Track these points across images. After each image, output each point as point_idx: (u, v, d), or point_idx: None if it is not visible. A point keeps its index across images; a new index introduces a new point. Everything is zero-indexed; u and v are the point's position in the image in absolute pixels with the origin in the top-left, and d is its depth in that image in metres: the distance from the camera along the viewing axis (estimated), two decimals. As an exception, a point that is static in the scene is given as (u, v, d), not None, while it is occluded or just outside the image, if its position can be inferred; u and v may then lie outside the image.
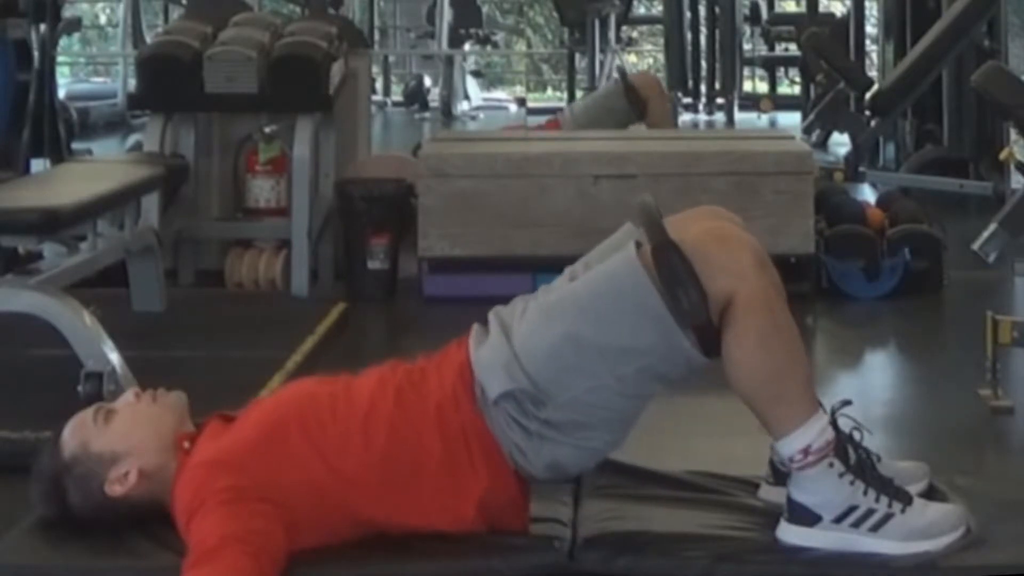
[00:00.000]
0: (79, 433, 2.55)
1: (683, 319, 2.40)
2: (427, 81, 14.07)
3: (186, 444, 2.55)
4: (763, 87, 14.38)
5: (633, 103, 7.19)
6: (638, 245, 2.47)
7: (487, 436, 2.47)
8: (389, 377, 2.57)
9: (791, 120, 11.20)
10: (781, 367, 2.44)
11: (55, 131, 5.62)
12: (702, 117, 12.50)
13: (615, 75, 8.64)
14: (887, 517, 2.47)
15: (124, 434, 2.54)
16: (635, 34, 15.97)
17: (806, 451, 2.44)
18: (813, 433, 2.45)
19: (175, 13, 11.23)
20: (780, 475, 2.59)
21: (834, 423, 2.50)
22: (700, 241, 2.45)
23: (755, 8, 13.61)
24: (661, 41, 13.37)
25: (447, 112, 13.13)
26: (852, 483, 2.46)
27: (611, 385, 2.44)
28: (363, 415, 2.50)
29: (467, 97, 13.68)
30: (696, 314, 2.40)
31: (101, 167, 5.21)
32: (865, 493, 2.47)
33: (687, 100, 12.29)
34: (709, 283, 2.40)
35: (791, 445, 2.45)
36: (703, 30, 12.69)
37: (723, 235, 2.50)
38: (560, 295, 2.52)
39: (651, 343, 2.43)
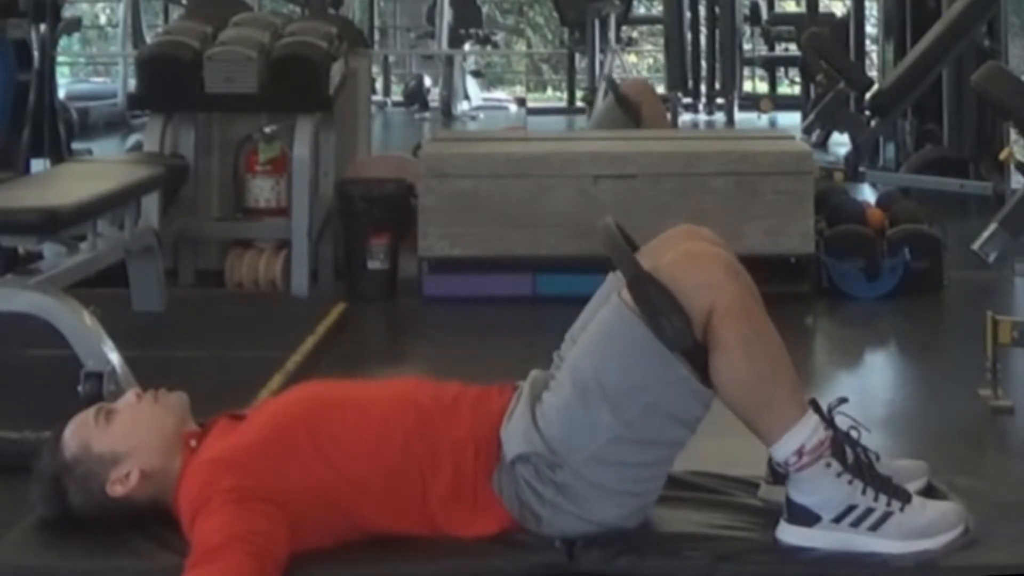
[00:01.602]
0: (80, 433, 2.56)
1: (671, 345, 2.42)
2: (427, 81, 14.07)
3: (193, 442, 2.55)
4: (763, 87, 14.39)
5: (627, 111, 7.19)
6: (620, 293, 2.49)
7: (493, 500, 2.49)
8: (413, 395, 2.58)
9: (791, 120, 11.21)
10: (765, 372, 2.45)
11: (55, 131, 5.63)
12: (702, 117, 12.51)
13: (604, 85, 8.64)
14: (886, 516, 2.47)
15: (125, 435, 2.54)
16: (635, 34, 15.97)
17: (800, 452, 2.45)
18: (805, 434, 2.45)
19: (175, 13, 11.22)
20: (780, 475, 2.59)
21: (831, 422, 2.50)
22: (673, 265, 2.47)
23: (755, 8, 13.62)
24: (661, 41, 13.36)
25: (447, 112, 13.13)
26: (850, 482, 2.47)
27: (623, 433, 2.44)
28: (378, 425, 2.51)
29: (467, 97, 13.68)
30: (681, 338, 2.42)
31: (101, 167, 5.21)
32: (864, 492, 2.47)
33: (687, 100, 12.30)
34: (688, 303, 2.42)
35: (784, 448, 2.46)
36: (703, 30, 12.69)
37: (694, 253, 2.53)
38: (568, 362, 2.53)
39: (648, 376, 2.44)
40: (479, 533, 2.49)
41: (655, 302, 2.42)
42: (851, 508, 2.46)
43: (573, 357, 2.52)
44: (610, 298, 2.52)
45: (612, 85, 7.73)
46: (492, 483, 2.49)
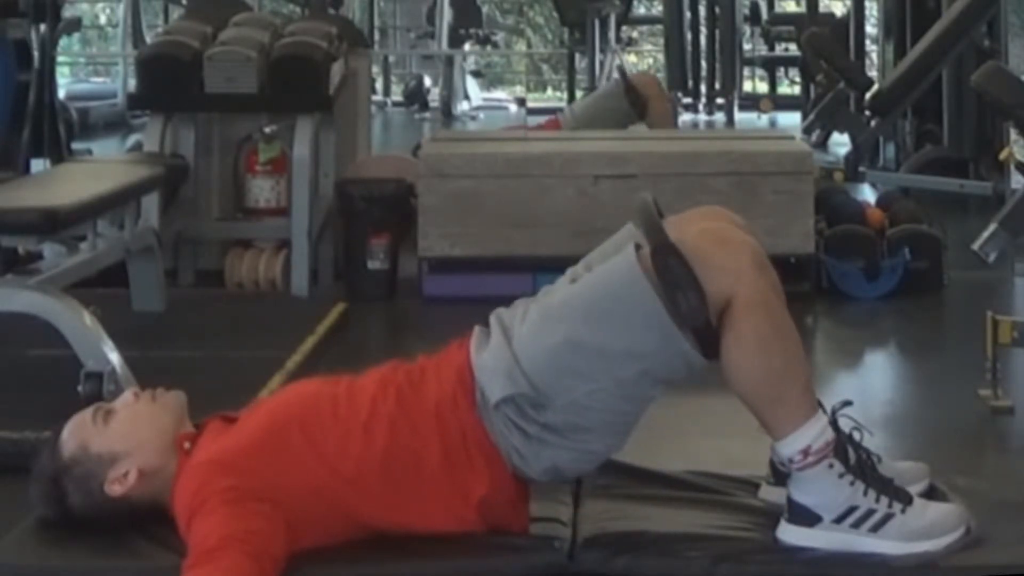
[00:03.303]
0: (79, 433, 2.55)
1: (682, 322, 2.40)
2: (427, 81, 14.06)
3: (187, 444, 2.55)
4: (763, 87, 14.38)
5: (633, 103, 7.19)
6: (638, 247, 2.47)
7: (485, 439, 2.47)
8: (390, 377, 2.57)
9: (791, 120, 11.20)
10: (780, 368, 2.43)
11: (55, 131, 5.63)
12: (702, 117, 12.50)
13: (615, 75, 8.63)
14: (887, 517, 2.47)
15: (124, 434, 2.54)
16: (635, 34, 15.96)
17: (806, 452, 2.44)
18: (813, 434, 2.44)
19: (175, 13, 11.23)
20: (780, 475, 2.59)
21: (834, 423, 2.50)
22: (699, 242, 2.44)
23: (755, 8, 13.61)
24: (661, 41, 13.36)
25: (447, 112, 13.13)
26: (852, 483, 2.46)
27: (610, 388, 2.43)
28: (364, 416, 2.50)
29: (467, 97, 13.68)
30: (695, 317, 2.40)
31: (101, 167, 5.21)
32: (865, 493, 2.47)
33: (687, 100, 12.30)
34: (708, 284, 2.40)
35: (791, 446, 2.45)
36: (703, 30, 12.69)
37: (722, 236, 2.50)
38: (561, 298, 2.51)
39: (651, 346, 2.42)
40: (479, 494, 2.47)
41: (676, 276, 2.39)
42: (852, 509, 2.46)
43: (570, 296, 2.49)
44: (623, 249, 2.49)
45: (623, 74, 7.72)
46: (479, 422, 2.47)
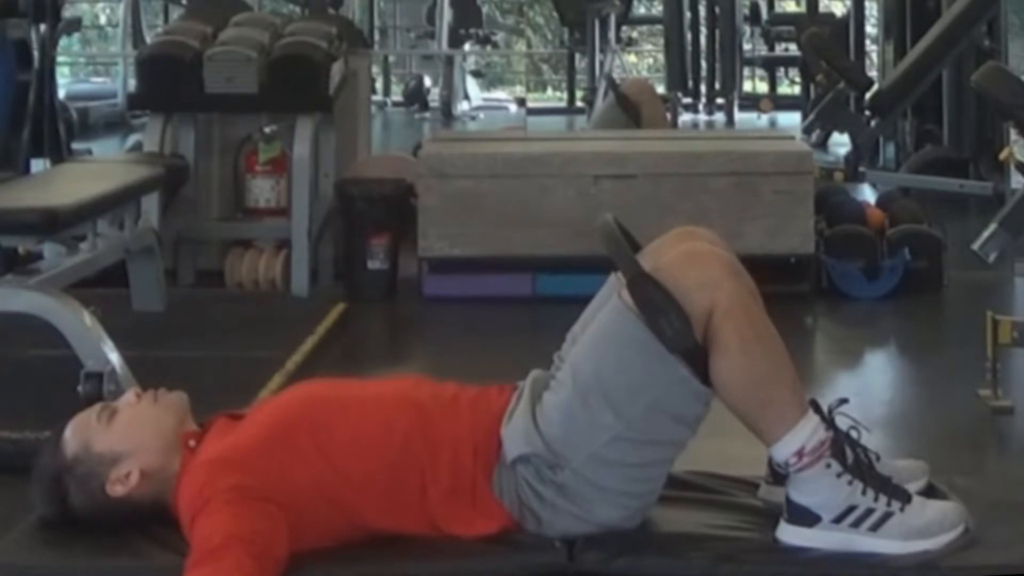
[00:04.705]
0: (80, 433, 2.55)
1: (671, 345, 2.41)
2: (427, 81, 14.06)
3: (192, 442, 2.55)
4: (763, 87, 14.38)
5: (627, 111, 7.20)
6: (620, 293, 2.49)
7: (492, 501, 2.49)
8: (412, 393, 2.57)
9: (791, 120, 11.21)
10: (765, 372, 2.44)
11: (55, 131, 5.62)
12: (702, 117, 12.51)
13: (606, 87, 8.64)
14: (886, 516, 2.47)
15: (125, 434, 2.54)
16: (635, 34, 15.96)
17: (800, 453, 2.45)
18: (805, 434, 2.45)
19: (175, 13, 11.21)
20: (780, 475, 2.59)
21: (831, 422, 2.50)
22: (673, 265, 2.47)
23: (755, 8, 13.61)
24: (661, 41, 13.37)
25: (447, 112, 13.12)
26: (850, 483, 2.47)
27: (623, 433, 2.44)
28: (378, 423, 2.51)
29: (467, 97, 13.67)
30: (682, 339, 2.41)
31: (101, 167, 5.21)
32: (864, 492, 2.47)
33: (687, 100, 12.30)
34: (688, 303, 2.42)
35: (785, 449, 2.46)
36: (703, 30, 12.70)
37: (693, 253, 2.52)
38: (568, 361, 2.53)
39: (651, 376, 2.43)
40: (480, 532, 2.49)
41: (655, 303, 2.42)
42: (851, 508, 2.46)
43: (574, 357, 2.52)
44: (611, 299, 2.52)
45: (612, 85, 7.73)
46: (492, 483, 2.49)
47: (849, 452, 2.49)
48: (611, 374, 2.45)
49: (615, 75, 10.86)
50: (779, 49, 13.64)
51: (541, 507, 2.48)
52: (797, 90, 12.60)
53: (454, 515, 2.49)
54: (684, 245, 2.58)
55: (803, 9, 12.18)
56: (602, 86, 10.37)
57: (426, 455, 2.49)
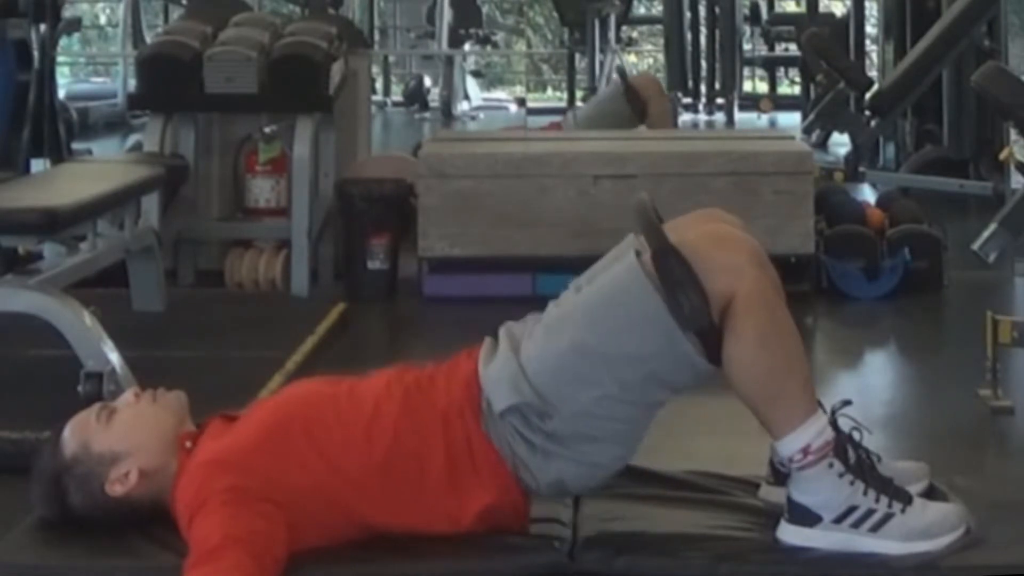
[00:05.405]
0: (80, 433, 2.55)
1: (685, 323, 2.40)
2: (427, 81, 14.07)
3: (188, 444, 2.55)
4: (763, 87, 14.39)
5: (633, 104, 7.19)
6: (639, 253, 2.48)
7: (491, 451, 2.47)
8: (397, 381, 2.57)
9: (791, 120, 11.21)
10: (780, 366, 2.43)
11: (55, 131, 5.63)
12: (702, 117, 12.51)
13: (615, 76, 8.63)
14: (887, 517, 2.47)
15: (124, 434, 2.54)
16: (635, 34, 15.97)
17: (805, 451, 2.44)
18: (812, 433, 2.44)
19: (175, 13, 11.22)
20: (780, 475, 2.59)
21: (834, 423, 2.50)
22: (699, 243, 2.45)
23: (755, 8, 13.62)
24: (661, 41, 13.37)
25: (447, 112, 13.13)
26: (852, 483, 2.46)
27: (616, 393, 2.43)
28: (368, 418, 2.50)
29: (467, 97, 13.68)
30: (698, 317, 2.40)
31: (101, 167, 5.21)
32: (865, 493, 2.47)
33: (687, 100, 12.30)
34: (709, 284, 2.40)
35: (790, 445, 2.45)
36: (703, 30, 12.70)
37: (721, 236, 2.51)
38: (565, 308, 2.52)
39: (655, 349, 2.42)
40: (485, 503, 2.47)
41: (677, 277, 2.40)
42: (852, 509, 2.46)
43: (573, 306, 2.50)
44: (625, 256, 2.49)
45: (623, 75, 7.71)
46: (483, 427, 2.47)
47: (851, 453, 2.49)
48: (615, 339, 2.43)
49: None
50: (779, 49, 13.65)
51: (532, 454, 2.46)
52: (797, 90, 12.61)
53: (458, 489, 2.47)
54: (711, 225, 2.56)
55: (803, 9, 12.17)
56: (602, 86, 10.38)
57: (418, 440, 2.48)
